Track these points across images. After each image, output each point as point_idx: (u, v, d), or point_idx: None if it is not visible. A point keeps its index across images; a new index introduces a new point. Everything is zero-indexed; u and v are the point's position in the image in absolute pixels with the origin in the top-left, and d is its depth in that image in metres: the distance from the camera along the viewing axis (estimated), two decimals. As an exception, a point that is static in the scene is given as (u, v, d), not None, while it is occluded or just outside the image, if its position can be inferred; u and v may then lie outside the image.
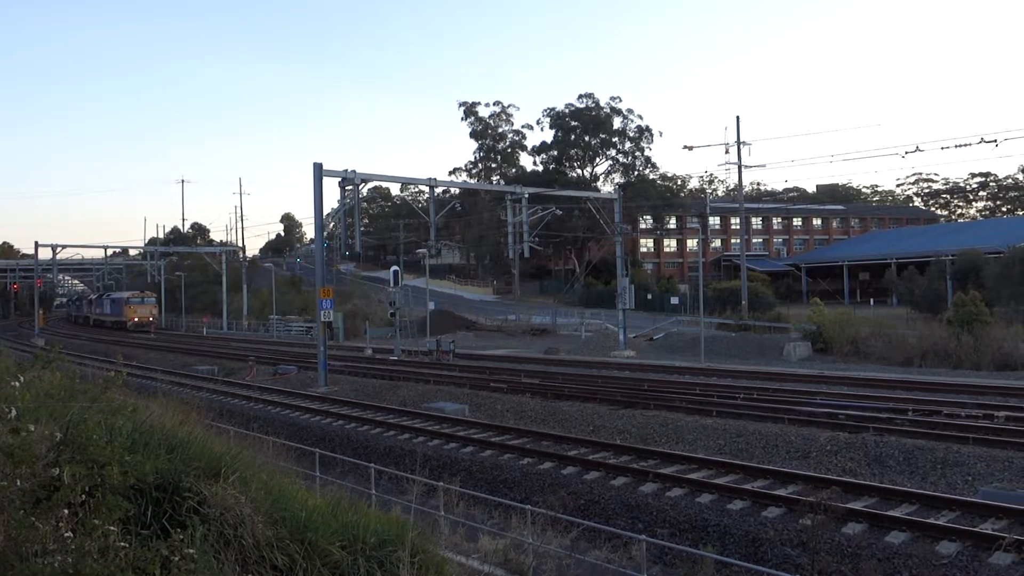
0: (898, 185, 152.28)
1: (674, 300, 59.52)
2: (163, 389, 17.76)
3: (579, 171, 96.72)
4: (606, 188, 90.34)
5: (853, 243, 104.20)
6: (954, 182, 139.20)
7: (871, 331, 39.14)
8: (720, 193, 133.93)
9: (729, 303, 56.08)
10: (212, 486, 5.37)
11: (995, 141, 38.80)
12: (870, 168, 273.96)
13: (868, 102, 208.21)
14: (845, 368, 32.49)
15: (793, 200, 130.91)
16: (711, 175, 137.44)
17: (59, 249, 73.30)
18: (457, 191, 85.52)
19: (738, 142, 53.61)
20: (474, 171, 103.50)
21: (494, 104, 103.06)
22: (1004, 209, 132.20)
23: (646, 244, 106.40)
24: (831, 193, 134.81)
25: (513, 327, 60.46)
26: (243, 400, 27.78)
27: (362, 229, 35.15)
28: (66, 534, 4.29)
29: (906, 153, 66.84)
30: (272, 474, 6.92)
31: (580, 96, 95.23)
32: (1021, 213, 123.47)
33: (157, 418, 7.14)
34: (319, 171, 31.25)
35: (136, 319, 78.45)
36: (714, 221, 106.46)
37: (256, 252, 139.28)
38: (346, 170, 32.32)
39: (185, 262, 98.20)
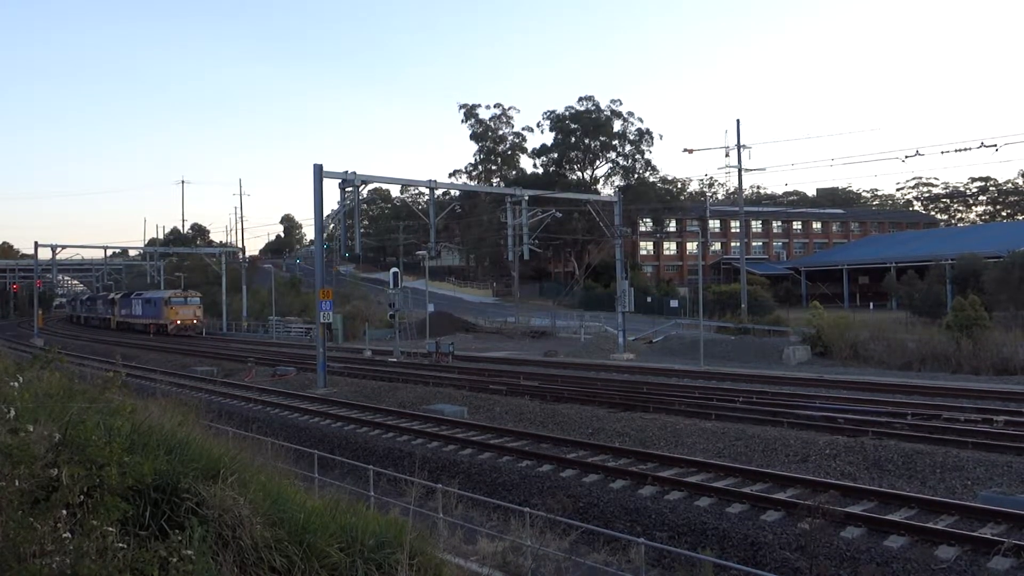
0: (898, 189, 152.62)
1: (673, 303, 59.58)
2: (162, 390, 17.78)
3: (579, 174, 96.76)
4: (606, 191, 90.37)
5: (853, 247, 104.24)
6: (954, 186, 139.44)
7: (870, 335, 39.11)
8: (720, 196, 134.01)
9: (728, 306, 56.06)
10: (211, 487, 5.37)
11: (995, 145, 38.95)
12: (870, 172, 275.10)
13: (868, 106, 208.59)
14: (844, 372, 32.48)
15: (793, 204, 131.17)
16: (711, 178, 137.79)
17: (59, 249, 73.31)
18: (457, 193, 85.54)
19: (738, 145, 53.66)
20: (474, 173, 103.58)
21: (494, 106, 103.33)
22: (1004, 214, 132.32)
23: (646, 247, 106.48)
24: (831, 197, 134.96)
25: (512, 329, 60.45)
26: (242, 401, 27.76)
27: (362, 231, 35.15)
28: (64, 535, 4.29)
29: (906, 157, 66.42)
30: (271, 475, 6.91)
31: (580, 99, 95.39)
32: (1021, 218, 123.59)
33: (156, 419, 7.15)
34: (319, 172, 31.26)
35: (179, 322, 68.52)
36: (714, 224, 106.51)
37: (256, 253, 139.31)
38: (346, 171, 32.34)
39: (184, 263, 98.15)
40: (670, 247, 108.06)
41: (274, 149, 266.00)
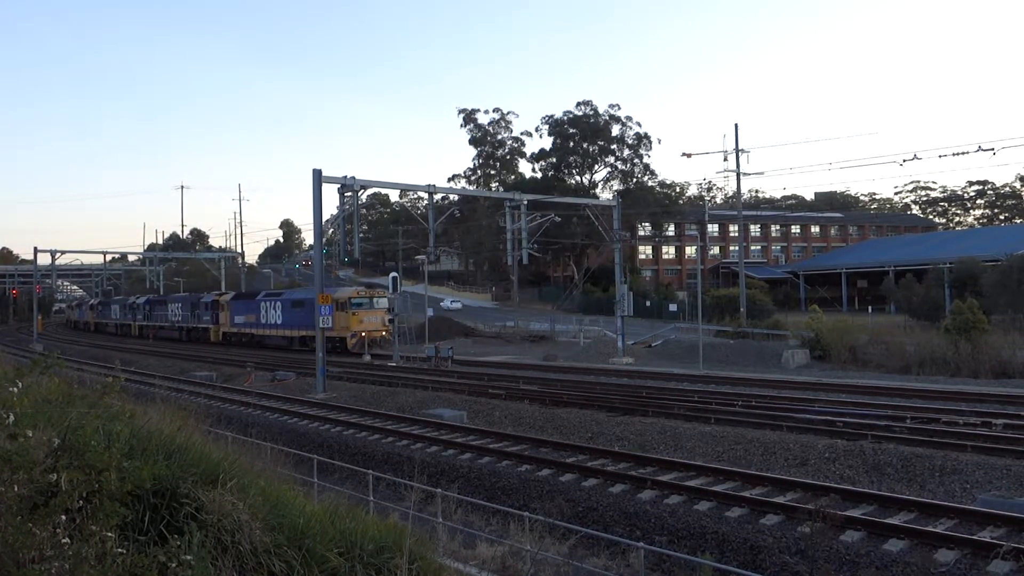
0: (896, 193, 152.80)
1: (672, 307, 59.64)
2: (161, 395, 17.71)
3: (578, 178, 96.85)
4: (605, 195, 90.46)
5: (851, 251, 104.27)
6: (952, 190, 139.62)
7: (869, 339, 39.12)
8: (719, 200, 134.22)
9: (727, 310, 56.10)
10: (210, 492, 5.36)
11: (993, 149, 39.23)
12: (868, 176, 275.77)
13: (866, 110, 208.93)
14: (843, 375, 32.50)
15: (791, 207, 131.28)
16: (710, 182, 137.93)
17: (58, 255, 73.25)
18: (456, 198, 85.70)
19: (736, 150, 53.76)
20: (473, 178, 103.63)
21: (493, 111, 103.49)
22: (1002, 217, 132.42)
23: (644, 251, 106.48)
24: (829, 201, 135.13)
25: (512, 334, 60.42)
26: (241, 406, 27.72)
27: (361, 235, 35.14)
28: (63, 540, 4.28)
29: (904, 161, 66.87)
30: (270, 480, 6.91)
31: (579, 103, 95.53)
32: (1019, 221, 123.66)
33: (155, 424, 7.13)
34: (318, 177, 31.25)
35: (363, 333, 48.17)
36: (712, 228, 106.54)
37: (255, 258, 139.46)
38: (345, 176, 32.33)
39: (184, 268, 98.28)
40: (669, 251, 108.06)
41: (273, 154, 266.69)
